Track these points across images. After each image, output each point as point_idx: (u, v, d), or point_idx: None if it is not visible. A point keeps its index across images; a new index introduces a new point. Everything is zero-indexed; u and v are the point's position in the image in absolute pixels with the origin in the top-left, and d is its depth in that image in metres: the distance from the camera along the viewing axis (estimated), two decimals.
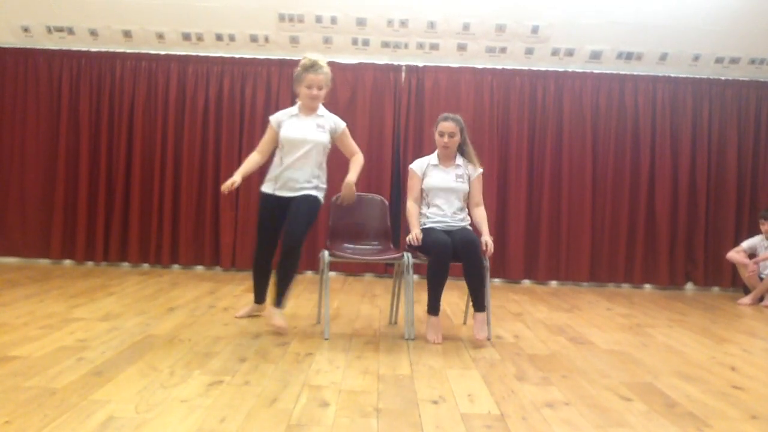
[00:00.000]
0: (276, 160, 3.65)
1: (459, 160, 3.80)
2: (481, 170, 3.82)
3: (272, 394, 2.44)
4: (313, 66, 3.51)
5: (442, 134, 3.71)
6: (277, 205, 3.58)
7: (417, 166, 3.81)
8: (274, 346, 3.22)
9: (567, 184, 6.22)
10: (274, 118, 3.66)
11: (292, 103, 6.16)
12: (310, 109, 3.60)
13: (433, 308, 3.55)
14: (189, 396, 2.37)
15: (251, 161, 3.67)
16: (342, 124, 3.69)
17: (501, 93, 6.23)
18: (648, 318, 4.55)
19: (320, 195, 3.64)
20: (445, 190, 3.72)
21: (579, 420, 2.30)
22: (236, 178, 3.50)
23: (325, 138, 3.60)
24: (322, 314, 3.74)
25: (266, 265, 3.72)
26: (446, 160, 3.78)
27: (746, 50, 6.09)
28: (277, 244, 3.64)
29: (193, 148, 6.16)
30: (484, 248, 3.53)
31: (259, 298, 3.88)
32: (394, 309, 3.98)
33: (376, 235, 4.02)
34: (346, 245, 3.89)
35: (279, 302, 3.46)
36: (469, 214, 3.81)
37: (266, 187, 3.67)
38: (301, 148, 3.54)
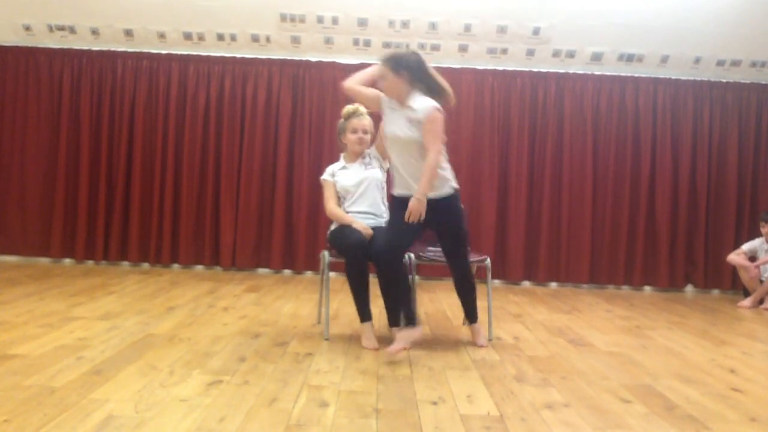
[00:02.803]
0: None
1: None
2: None
3: (272, 393, 2.44)
4: (355, 112, 3.54)
5: None
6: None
7: None
8: (274, 346, 3.22)
9: (567, 185, 6.22)
10: (328, 175, 3.60)
11: (293, 105, 6.28)
12: (356, 155, 3.58)
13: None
14: (188, 395, 2.37)
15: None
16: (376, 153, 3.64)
17: (502, 94, 6.23)
18: (648, 320, 4.54)
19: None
20: None
21: (578, 421, 2.29)
22: (359, 223, 3.39)
23: (378, 173, 3.57)
24: (322, 314, 3.74)
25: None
26: None
27: (747, 53, 6.09)
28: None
29: (193, 147, 6.16)
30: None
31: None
32: None
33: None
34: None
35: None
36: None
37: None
38: (357, 190, 3.52)
